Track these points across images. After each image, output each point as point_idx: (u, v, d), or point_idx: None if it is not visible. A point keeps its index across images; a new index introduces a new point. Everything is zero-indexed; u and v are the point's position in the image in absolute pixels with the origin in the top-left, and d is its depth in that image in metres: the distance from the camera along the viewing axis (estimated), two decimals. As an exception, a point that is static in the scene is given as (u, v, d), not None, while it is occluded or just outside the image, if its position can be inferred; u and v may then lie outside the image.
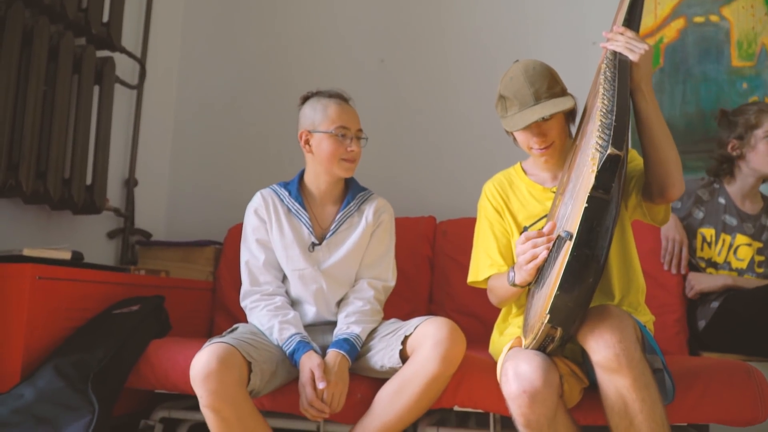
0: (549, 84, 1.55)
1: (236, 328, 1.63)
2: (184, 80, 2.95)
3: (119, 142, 2.57)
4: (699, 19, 2.49)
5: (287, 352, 1.56)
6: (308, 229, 1.75)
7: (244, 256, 1.76)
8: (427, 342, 1.46)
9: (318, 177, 1.78)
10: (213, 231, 2.60)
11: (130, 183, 2.61)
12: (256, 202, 1.79)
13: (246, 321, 1.74)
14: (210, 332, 2.30)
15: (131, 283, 2.02)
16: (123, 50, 2.49)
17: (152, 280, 2.15)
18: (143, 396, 1.91)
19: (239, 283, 1.76)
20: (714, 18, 2.48)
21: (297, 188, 1.79)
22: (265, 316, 1.64)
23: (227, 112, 2.87)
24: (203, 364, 1.38)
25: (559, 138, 1.59)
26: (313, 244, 1.74)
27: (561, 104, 1.51)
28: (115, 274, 2.01)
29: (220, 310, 2.32)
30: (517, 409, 1.27)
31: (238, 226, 2.41)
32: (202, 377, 1.37)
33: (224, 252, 2.41)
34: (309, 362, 1.49)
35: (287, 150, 2.65)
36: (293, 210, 1.77)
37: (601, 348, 1.20)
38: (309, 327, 1.72)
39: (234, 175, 2.80)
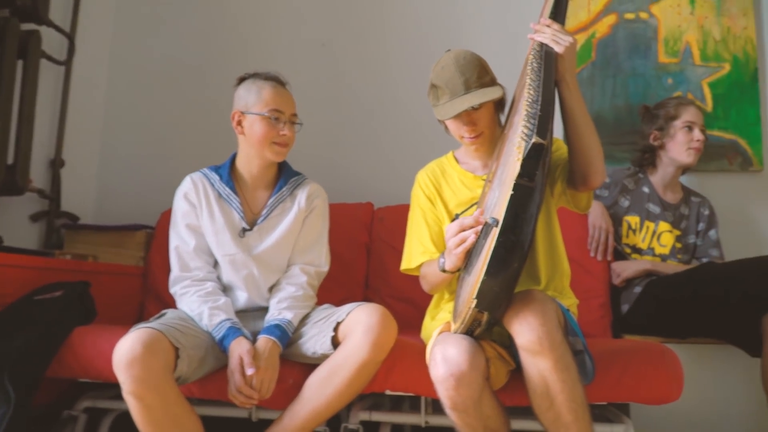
0: (479, 74, 1.57)
1: (164, 314, 1.59)
2: (116, 58, 2.83)
3: (45, 120, 2.46)
4: (629, 16, 2.58)
5: (217, 338, 1.54)
6: (239, 214, 1.72)
7: (174, 242, 1.73)
8: (359, 328, 1.46)
9: (250, 161, 1.75)
10: (144, 215, 2.52)
11: (56, 163, 2.50)
12: (186, 186, 1.76)
13: (176, 308, 1.70)
14: (140, 319, 2.24)
15: (55, 268, 1.94)
16: (50, 24, 2.37)
17: (78, 265, 2.07)
18: (66, 385, 1.85)
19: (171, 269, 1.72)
20: (643, 15, 2.57)
21: (228, 172, 1.76)
22: (195, 302, 1.61)
23: (161, 92, 2.79)
24: (127, 349, 1.34)
25: (489, 127, 1.62)
26: (244, 230, 1.72)
27: (490, 94, 1.54)
28: (37, 259, 1.94)
29: (150, 296, 2.27)
30: (444, 391, 1.30)
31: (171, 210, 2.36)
32: (126, 363, 1.34)
33: (156, 237, 2.34)
34: (238, 348, 1.48)
35: (223, 133, 2.57)
36: (224, 195, 1.74)
37: (525, 331, 1.24)
38: (240, 313, 1.70)
39: (167, 157, 2.72)
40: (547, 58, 1.36)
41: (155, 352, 1.36)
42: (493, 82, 1.60)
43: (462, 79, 1.55)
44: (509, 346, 1.45)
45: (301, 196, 1.79)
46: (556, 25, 1.43)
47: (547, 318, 1.24)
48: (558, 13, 1.46)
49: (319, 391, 1.48)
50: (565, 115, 1.44)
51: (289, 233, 1.75)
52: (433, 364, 1.31)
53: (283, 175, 1.80)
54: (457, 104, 1.54)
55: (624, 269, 2.12)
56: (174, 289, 1.69)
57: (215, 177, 1.76)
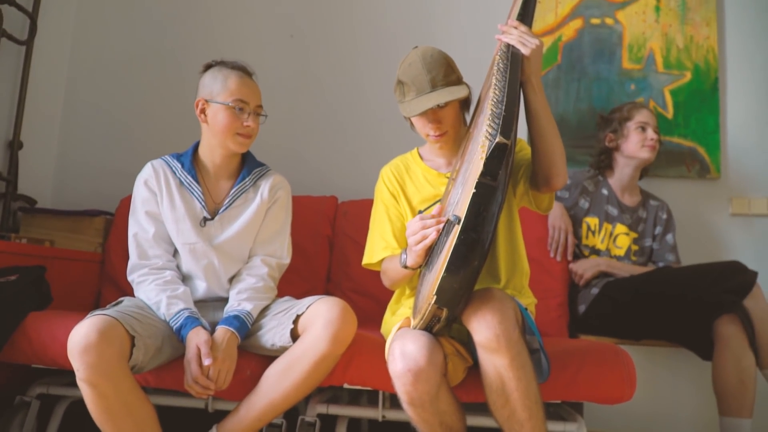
0: (445, 72, 1.58)
1: (121, 302, 1.57)
2: (78, 39, 2.76)
3: (4, 100, 2.39)
4: (595, 21, 2.62)
5: (174, 327, 1.52)
6: (200, 203, 1.70)
7: (132, 229, 1.70)
8: (318, 321, 1.46)
9: (212, 150, 1.73)
10: (104, 201, 2.47)
11: (14, 145, 2.43)
12: (146, 173, 1.73)
13: (133, 296, 1.68)
14: (96, 306, 2.20)
15: (10, 252, 1.89)
16: (11, 2, 2.30)
17: (34, 249, 2.02)
18: (19, 371, 1.80)
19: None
20: (609, 21, 2.62)
21: (190, 160, 1.74)
22: (152, 291, 1.59)
23: (124, 76, 2.73)
24: (82, 336, 1.32)
25: (454, 126, 1.63)
26: (205, 219, 1.70)
27: (456, 92, 1.55)
28: (-9, 242, 1.88)
29: (108, 283, 2.22)
30: (401, 386, 1.31)
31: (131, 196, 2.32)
32: (80, 350, 1.31)
33: (115, 223, 2.30)
34: (196, 338, 1.46)
35: (186, 120, 2.53)
36: (185, 183, 1.71)
37: (483, 329, 1.26)
38: (200, 303, 1.68)
39: (129, 142, 2.67)
40: (513, 59, 1.37)
41: (110, 339, 1.34)
42: (459, 81, 1.61)
43: (428, 77, 1.56)
44: (467, 342, 1.46)
45: (264, 187, 1.77)
46: (523, 27, 1.44)
47: (505, 316, 1.26)
48: (525, 15, 1.47)
49: (277, 384, 1.47)
50: (529, 116, 1.46)
51: (251, 224, 1.74)
52: (392, 359, 1.32)
53: (246, 165, 1.78)
54: (423, 102, 1.55)
55: (584, 270, 2.17)
56: (132, 277, 1.66)
57: (177, 165, 1.73)
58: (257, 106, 1.71)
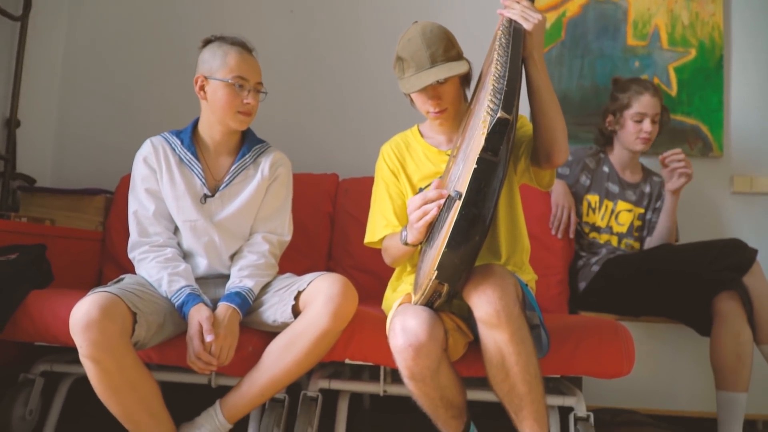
0: (445, 47, 1.56)
1: (122, 279, 1.57)
2: (75, 13, 2.73)
3: (0, 78, 2.36)
4: (601, -4, 2.59)
5: (176, 304, 1.52)
6: (201, 180, 1.69)
7: (133, 206, 1.69)
8: (320, 298, 1.47)
9: (212, 127, 1.72)
10: (104, 179, 2.46)
11: (11, 123, 2.41)
12: (146, 150, 1.71)
13: (134, 273, 1.68)
14: (97, 284, 2.19)
15: (11, 231, 1.89)
16: (5, -23, 2.28)
17: (35, 228, 2.02)
18: (22, 349, 1.81)
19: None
20: (614, -4, 2.59)
21: (190, 137, 1.72)
22: (154, 268, 1.59)
23: (123, 51, 2.70)
24: (84, 313, 1.33)
25: (454, 102, 1.62)
26: (206, 196, 1.69)
27: (456, 68, 1.53)
28: (-9, 220, 1.88)
29: (109, 261, 2.23)
30: (402, 361, 1.31)
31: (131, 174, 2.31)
32: (82, 326, 1.32)
33: (115, 201, 2.30)
34: (198, 315, 1.47)
35: (186, 96, 2.50)
36: (185, 160, 1.70)
37: (483, 304, 1.26)
38: (201, 280, 1.68)
39: (128, 119, 2.66)
40: (515, 34, 1.36)
41: (112, 316, 1.34)
42: (459, 57, 1.60)
43: (428, 53, 1.54)
44: (468, 318, 1.47)
45: (265, 164, 1.76)
46: (525, 2, 1.42)
47: (505, 292, 1.26)
48: None
49: (279, 359, 1.48)
50: (531, 92, 1.44)
51: (252, 201, 1.73)
52: (393, 334, 1.33)
53: (247, 142, 1.77)
54: (423, 78, 1.53)
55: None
56: (133, 255, 1.66)
57: (176, 141, 1.72)
58: (257, 83, 1.69)
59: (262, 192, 1.75)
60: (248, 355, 1.54)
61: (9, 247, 1.81)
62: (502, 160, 1.17)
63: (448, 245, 1.17)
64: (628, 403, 2.15)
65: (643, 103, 2.18)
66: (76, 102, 2.69)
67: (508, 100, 1.15)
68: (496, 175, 1.17)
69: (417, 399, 1.38)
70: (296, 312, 1.52)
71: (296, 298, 1.52)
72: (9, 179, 2.39)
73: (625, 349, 1.57)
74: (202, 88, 1.67)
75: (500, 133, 1.14)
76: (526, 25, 1.38)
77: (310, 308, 1.48)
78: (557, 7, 2.59)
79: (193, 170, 1.70)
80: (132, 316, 1.40)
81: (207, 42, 1.71)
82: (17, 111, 2.43)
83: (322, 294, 1.47)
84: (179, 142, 1.72)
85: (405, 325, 1.31)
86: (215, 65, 1.65)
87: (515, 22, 1.40)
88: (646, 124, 2.18)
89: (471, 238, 1.18)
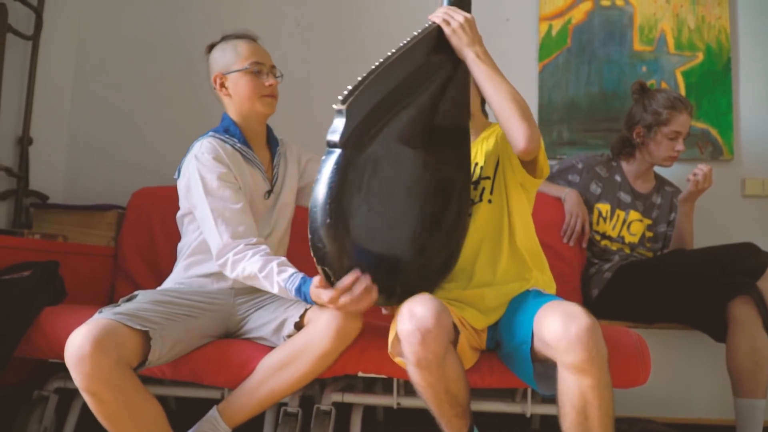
0: None
1: (135, 296, 1.55)
2: (85, 33, 2.76)
3: (12, 96, 2.39)
4: (606, 3, 2.59)
5: (293, 288, 1.43)
6: (263, 175, 1.70)
7: (216, 208, 1.55)
8: (324, 315, 1.43)
9: (247, 119, 1.70)
10: (115, 195, 2.48)
11: (24, 141, 2.44)
12: (211, 148, 1.61)
13: (146, 289, 1.67)
14: (110, 300, 2.21)
15: (24, 248, 1.91)
16: (17, -3, 2.31)
17: (47, 245, 2.04)
18: (36, 366, 1.82)
19: (142, 250, 1.69)
20: (619, 2, 2.59)
21: (240, 133, 1.69)
22: (258, 262, 1.48)
23: (133, 69, 2.73)
24: (77, 347, 1.29)
25: None
26: (268, 192, 1.71)
27: None
28: (5, 238, 1.90)
29: (121, 277, 2.23)
30: (409, 347, 1.29)
31: (143, 189, 2.33)
32: (75, 361, 1.29)
33: (127, 217, 2.30)
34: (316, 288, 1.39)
35: (196, 110, 2.56)
36: (248, 156, 1.68)
37: (578, 351, 1.22)
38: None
39: (139, 135, 2.68)
40: (419, 36, 1.45)
41: (105, 348, 1.30)
42: None
43: None
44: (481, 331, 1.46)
45: (291, 155, 1.81)
46: (449, 7, 1.51)
47: (597, 337, 1.23)
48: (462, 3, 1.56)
49: (279, 373, 1.45)
50: (479, 88, 1.49)
51: (292, 192, 1.78)
52: (400, 320, 1.31)
53: (269, 133, 1.80)
54: None
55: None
56: (226, 257, 1.52)
57: (231, 139, 1.67)
58: (272, 66, 1.71)
59: (296, 182, 1.80)
60: (242, 365, 1.52)
61: (22, 264, 1.82)
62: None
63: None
64: (645, 412, 2.13)
65: (681, 122, 2.14)
66: (87, 119, 2.72)
67: (351, 92, 1.38)
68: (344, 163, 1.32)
69: (422, 392, 1.35)
70: (300, 326, 1.50)
71: (302, 315, 1.50)
72: (22, 196, 2.41)
73: (641, 359, 1.55)
74: (222, 85, 1.68)
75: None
76: (446, 28, 1.47)
77: (312, 324, 1.45)
78: (562, 14, 2.59)
79: (255, 165, 1.69)
80: (141, 336, 1.38)
81: (212, 46, 1.74)
82: (30, 129, 2.46)
83: (326, 311, 1.43)
84: (234, 140, 1.68)
85: (413, 311, 1.29)
86: (229, 59, 1.67)
87: (432, 23, 1.48)
88: (680, 144, 2.15)
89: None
